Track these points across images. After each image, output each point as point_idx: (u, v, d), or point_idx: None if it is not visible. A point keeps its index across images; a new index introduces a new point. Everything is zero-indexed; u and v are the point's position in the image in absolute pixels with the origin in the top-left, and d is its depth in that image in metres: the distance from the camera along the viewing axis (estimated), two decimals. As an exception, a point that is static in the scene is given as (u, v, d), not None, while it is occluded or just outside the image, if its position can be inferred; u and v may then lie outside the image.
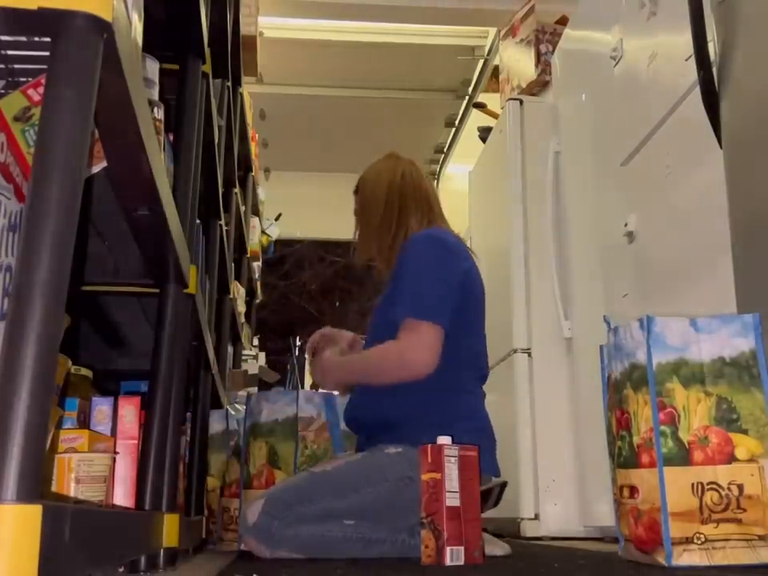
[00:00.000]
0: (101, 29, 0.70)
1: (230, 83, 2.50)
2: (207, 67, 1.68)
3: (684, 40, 1.80)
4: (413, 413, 1.80)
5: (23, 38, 0.88)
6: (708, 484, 1.28)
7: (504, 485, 1.87)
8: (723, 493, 1.28)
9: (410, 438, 1.70)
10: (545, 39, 3.55)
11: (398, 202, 2.01)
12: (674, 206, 2.06)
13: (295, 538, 1.70)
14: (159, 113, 1.29)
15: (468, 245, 2.12)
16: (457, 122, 5.47)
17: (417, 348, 1.79)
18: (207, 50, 1.67)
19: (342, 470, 1.81)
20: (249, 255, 3.99)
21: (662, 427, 1.32)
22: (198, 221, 1.70)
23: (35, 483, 0.58)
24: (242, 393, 3.33)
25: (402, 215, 2.00)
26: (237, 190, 3.12)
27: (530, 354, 3.03)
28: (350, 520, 1.71)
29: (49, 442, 1.08)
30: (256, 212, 4.44)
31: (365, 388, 1.96)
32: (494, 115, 4.13)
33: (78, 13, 0.68)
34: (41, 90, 0.90)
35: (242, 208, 3.56)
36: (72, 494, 1.14)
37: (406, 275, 1.87)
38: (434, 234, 1.94)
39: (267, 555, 1.70)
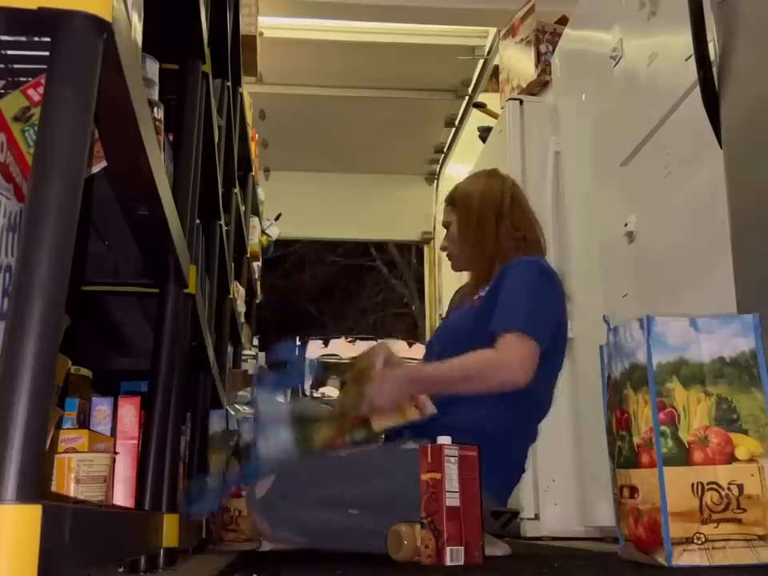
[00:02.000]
0: (101, 29, 0.70)
1: (230, 83, 2.50)
2: (207, 67, 1.68)
3: (684, 40, 1.80)
4: (469, 424, 1.76)
5: (23, 38, 0.88)
6: (708, 484, 1.28)
7: (516, 514, 1.87)
8: (723, 493, 1.28)
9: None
10: (545, 39, 3.55)
11: (502, 227, 1.97)
12: (673, 206, 2.06)
13: (298, 520, 1.70)
14: (159, 113, 1.29)
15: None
16: (457, 122, 5.46)
17: (512, 358, 1.74)
18: (207, 50, 1.67)
19: (355, 458, 1.80)
20: (249, 255, 3.99)
21: (662, 427, 1.32)
22: (198, 221, 1.70)
23: (35, 483, 0.58)
24: (242, 393, 3.33)
25: (502, 242, 1.96)
26: (237, 190, 3.12)
27: (530, 354, 3.02)
28: (355, 509, 1.71)
29: (49, 441, 1.08)
30: (256, 212, 4.44)
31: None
32: (494, 115, 4.13)
33: (78, 13, 0.68)
34: (41, 89, 0.90)
35: (242, 208, 3.56)
36: (72, 494, 1.14)
37: (507, 292, 1.83)
38: (539, 262, 1.93)
39: (268, 532, 1.71)
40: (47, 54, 0.69)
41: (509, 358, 1.75)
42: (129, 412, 1.37)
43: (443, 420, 1.79)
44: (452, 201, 2.10)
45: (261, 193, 4.60)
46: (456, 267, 2.13)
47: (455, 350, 1.86)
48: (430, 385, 1.81)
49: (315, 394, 7.75)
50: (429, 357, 2.05)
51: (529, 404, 1.87)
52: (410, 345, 6.68)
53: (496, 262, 1.94)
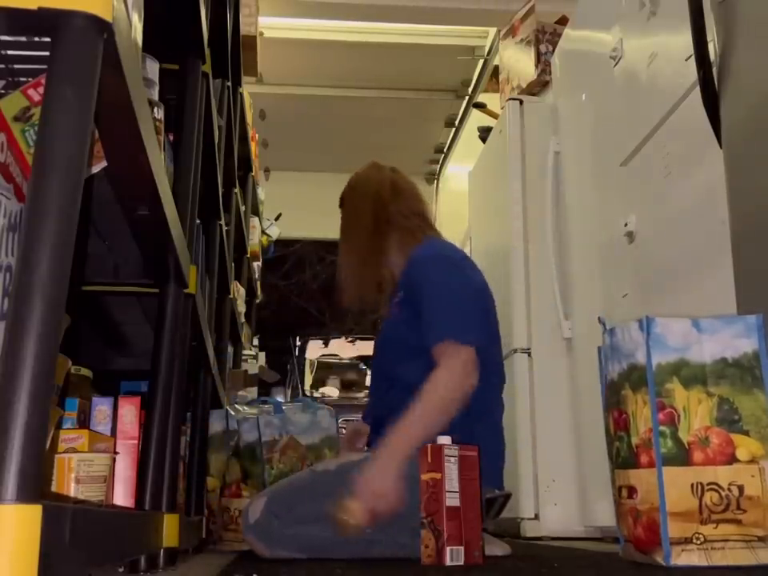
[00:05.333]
0: (101, 29, 0.70)
1: (230, 83, 2.50)
2: (207, 67, 1.68)
3: (684, 40, 1.79)
4: None
5: (23, 38, 0.88)
6: (708, 484, 1.28)
7: (508, 496, 1.87)
8: (723, 493, 1.28)
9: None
10: (545, 39, 3.55)
11: (389, 216, 1.98)
12: (673, 206, 2.06)
13: (295, 538, 1.70)
14: (159, 113, 1.29)
15: (468, 246, 2.11)
16: (457, 122, 5.47)
17: (460, 374, 1.73)
18: (207, 50, 1.67)
19: (344, 469, 1.81)
20: (249, 255, 3.99)
21: (662, 427, 1.32)
22: (198, 221, 1.70)
23: (35, 483, 0.58)
24: (242, 393, 3.33)
25: (388, 234, 1.98)
26: (237, 189, 3.12)
27: (529, 354, 3.03)
28: None
29: (49, 441, 1.08)
30: (256, 212, 4.44)
31: (391, 385, 1.93)
32: (494, 115, 4.13)
33: (78, 13, 0.68)
34: (41, 89, 0.90)
35: (242, 208, 3.56)
36: (72, 494, 1.14)
37: (427, 299, 1.81)
38: (441, 253, 1.91)
39: (267, 554, 1.70)
40: (47, 54, 0.69)
41: (455, 369, 1.73)
42: (129, 412, 1.37)
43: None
44: (340, 202, 2.05)
45: (261, 193, 4.60)
46: (351, 290, 2.01)
47: (387, 363, 1.94)
48: (409, 444, 1.66)
49: (315, 394, 7.74)
50: (373, 376, 2.11)
51: (488, 376, 1.85)
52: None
53: (390, 259, 1.96)
